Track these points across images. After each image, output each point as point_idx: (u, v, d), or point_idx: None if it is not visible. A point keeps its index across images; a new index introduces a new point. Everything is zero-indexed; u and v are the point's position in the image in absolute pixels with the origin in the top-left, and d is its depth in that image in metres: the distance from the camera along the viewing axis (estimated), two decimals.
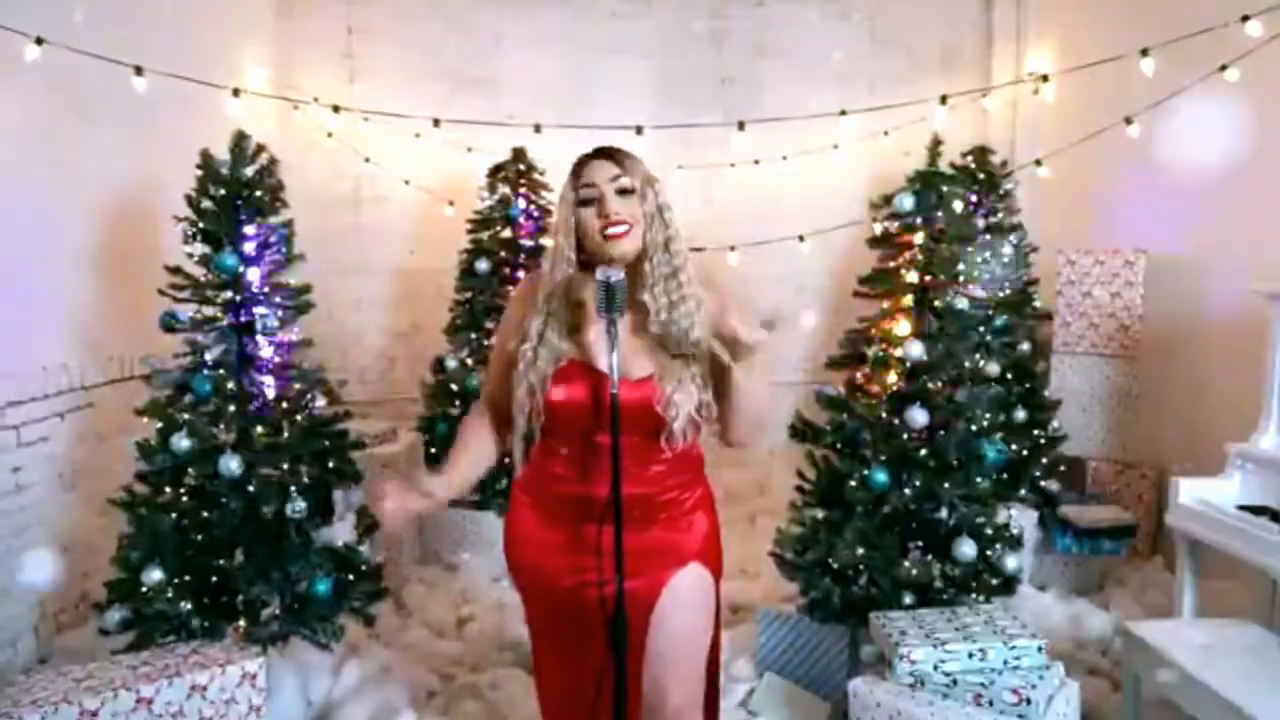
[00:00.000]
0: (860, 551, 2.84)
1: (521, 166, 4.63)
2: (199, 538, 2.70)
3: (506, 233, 4.56)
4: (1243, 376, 3.31)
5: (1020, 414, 4.02)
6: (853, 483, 2.88)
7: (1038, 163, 3.77)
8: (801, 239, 5.44)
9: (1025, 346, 4.28)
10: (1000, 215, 4.33)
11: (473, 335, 4.54)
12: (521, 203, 4.59)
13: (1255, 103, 3.51)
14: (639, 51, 5.93)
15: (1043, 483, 3.99)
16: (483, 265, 4.47)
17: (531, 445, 1.90)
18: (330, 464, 2.92)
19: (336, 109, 5.04)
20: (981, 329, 2.91)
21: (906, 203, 2.89)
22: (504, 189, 4.57)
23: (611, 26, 5.94)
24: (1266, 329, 2.90)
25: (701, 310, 1.81)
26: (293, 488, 2.76)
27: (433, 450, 4.43)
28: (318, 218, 6.03)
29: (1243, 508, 2.84)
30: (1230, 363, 3.69)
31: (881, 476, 2.81)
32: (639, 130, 4.34)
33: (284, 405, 2.85)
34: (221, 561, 2.70)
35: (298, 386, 2.98)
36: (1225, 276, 3.88)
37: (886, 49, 5.96)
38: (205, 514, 2.69)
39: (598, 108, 5.25)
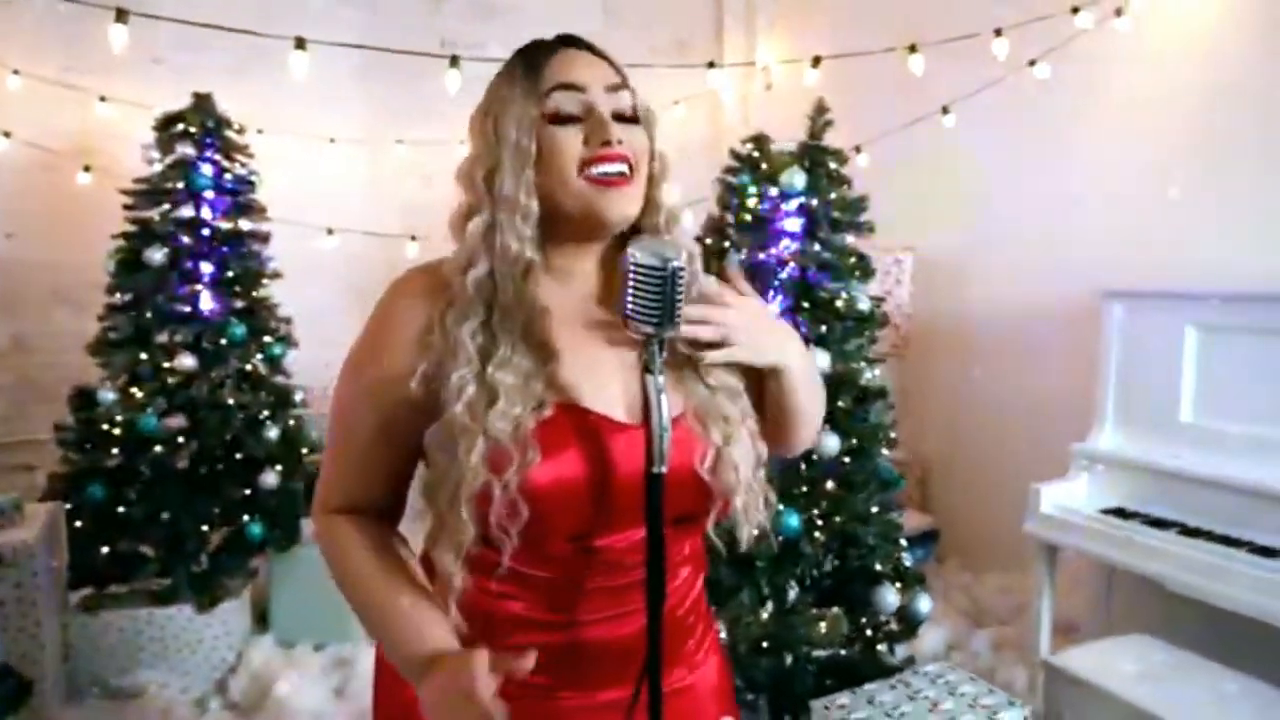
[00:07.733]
0: (764, 615, 2.25)
1: (209, 122, 3.34)
2: None
3: (187, 211, 3.26)
4: (1007, 376, 3.80)
5: None
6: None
7: (857, 149, 3.50)
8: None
9: None
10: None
11: (142, 354, 3.18)
12: (208, 169, 3.31)
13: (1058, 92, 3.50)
14: None
15: None
16: (157, 255, 3.13)
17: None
18: None
19: None
20: (868, 333, 2.47)
21: (798, 181, 2.35)
22: (185, 149, 3.25)
23: None
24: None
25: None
26: None
27: (81, 527, 3.01)
28: None
29: (1106, 511, 2.74)
30: (989, 361, 3.96)
31: (794, 520, 2.24)
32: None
33: None
34: None
35: None
36: (984, 278, 3.96)
37: (622, 30, 5.45)
38: None
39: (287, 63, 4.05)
